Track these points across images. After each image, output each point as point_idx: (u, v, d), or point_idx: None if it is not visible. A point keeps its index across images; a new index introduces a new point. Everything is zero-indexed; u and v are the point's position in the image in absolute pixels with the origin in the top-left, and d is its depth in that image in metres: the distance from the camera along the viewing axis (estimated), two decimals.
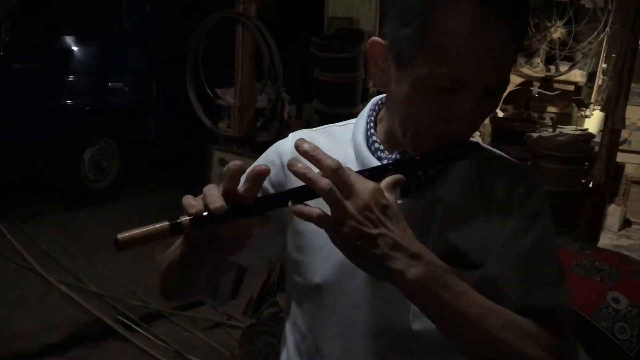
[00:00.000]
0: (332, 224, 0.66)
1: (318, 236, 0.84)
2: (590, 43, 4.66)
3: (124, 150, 5.20)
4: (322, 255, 0.84)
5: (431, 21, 0.70)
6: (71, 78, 4.80)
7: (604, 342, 1.66)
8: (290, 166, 0.67)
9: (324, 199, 0.66)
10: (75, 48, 4.82)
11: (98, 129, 5.02)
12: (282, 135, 0.96)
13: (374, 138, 0.86)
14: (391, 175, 0.71)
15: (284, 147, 0.90)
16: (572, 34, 4.64)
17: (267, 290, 2.91)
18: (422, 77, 0.72)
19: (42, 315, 3.13)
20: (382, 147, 0.85)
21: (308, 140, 0.89)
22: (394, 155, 0.83)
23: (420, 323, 0.80)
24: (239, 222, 0.69)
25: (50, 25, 4.65)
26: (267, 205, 0.72)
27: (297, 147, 0.69)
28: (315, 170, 0.67)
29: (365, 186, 0.66)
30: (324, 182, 0.65)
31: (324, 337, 0.86)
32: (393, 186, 0.70)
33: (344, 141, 0.89)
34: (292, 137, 0.92)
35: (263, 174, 0.68)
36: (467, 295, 0.70)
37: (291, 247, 0.89)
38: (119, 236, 0.64)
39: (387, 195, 0.68)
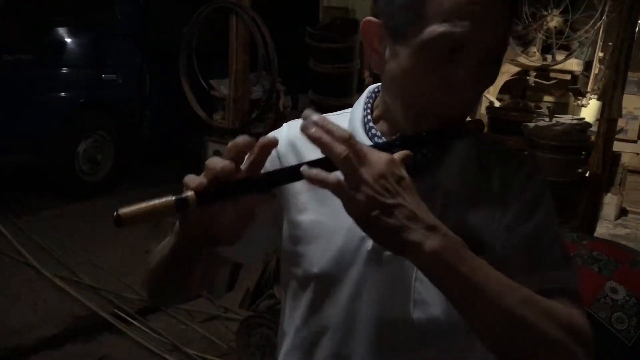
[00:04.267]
0: (348, 193, 0.64)
1: (315, 226, 0.83)
2: (586, 32, 4.64)
3: (118, 143, 5.17)
4: (320, 246, 0.83)
5: None
6: (64, 70, 4.76)
7: (602, 333, 1.66)
8: (304, 129, 0.65)
9: (338, 166, 0.64)
10: (68, 40, 4.78)
11: (92, 122, 4.99)
12: (278, 126, 0.94)
13: (371, 124, 0.85)
14: (398, 151, 0.69)
15: (279, 137, 0.88)
16: (569, 23, 4.62)
17: (263, 283, 2.90)
18: (422, 44, 0.71)
19: (38, 309, 3.12)
20: (379, 133, 0.84)
21: None
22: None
23: (421, 312, 0.79)
24: (245, 198, 0.67)
25: (43, 17, 4.60)
26: (277, 180, 0.69)
27: (305, 118, 0.66)
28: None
29: (379, 157, 0.65)
30: (341, 148, 0.63)
31: (323, 328, 0.85)
32: (402, 161, 0.68)
33: None
34: (287, 127, 0.91)
35: (271, 145, 0.67)
36: (484, 269, 0.68)
37: (287, 238, 0.87)
38: (121, 211, 0.59)
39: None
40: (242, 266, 3.14)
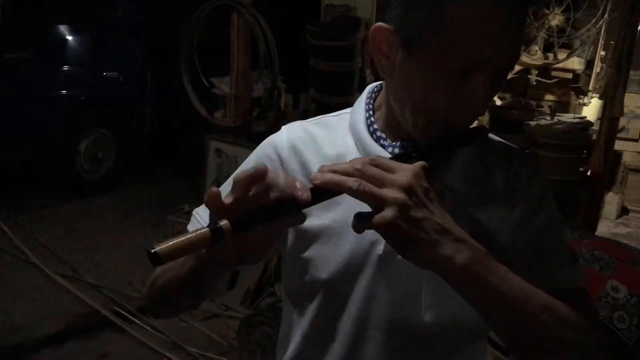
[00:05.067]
0: (373, 217, 0.62)
1: (322, 231, 0.82)
2: (588, 30, 4.63)
3: (119, 141, 5.17)
4: (328, 251, 0.81)
5: (447, 4, 0.69)
6: (65, 68, 4.76)
7: (603, 331, 1.65)
8: (314, 180, 0.64)
9: (358, 199, 0.63)
10: (69, 38, 4.77)
11: (93, 120, 4.98)
12: (279, 124, 0.93)
13: (375, 126, 0.84)
14: (415, 161, 0.68)
15: (280, 141, 0.87)
16: (571, 21, 4.61)
17: (264, 281, 2.90)
18: (439, 61, 0.70)
19: (39, 307, 3.12)
20: (384, 135, 0.83)
21: (302, 132, 0.88)
22: (398, 143, 0.82)
23: (433, 315, 0.79)
24: (278, 222, 0.64)
25: (44, 15, 4.60)
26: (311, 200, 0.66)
27: (313, 180, 0.65)
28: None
29: (405, 169, 0.64)
30: (350, 183, 0.62)
31: (333, 334, 0.84)
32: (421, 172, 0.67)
33: (341, 132, 0.87)
34: (286, 129, 0.90)
35: (263, 174, 0.63)
36: (509, 278, 0.68)
37: (291, 245, 0.85)
38: (157, 249, 0.55)
39: None
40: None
